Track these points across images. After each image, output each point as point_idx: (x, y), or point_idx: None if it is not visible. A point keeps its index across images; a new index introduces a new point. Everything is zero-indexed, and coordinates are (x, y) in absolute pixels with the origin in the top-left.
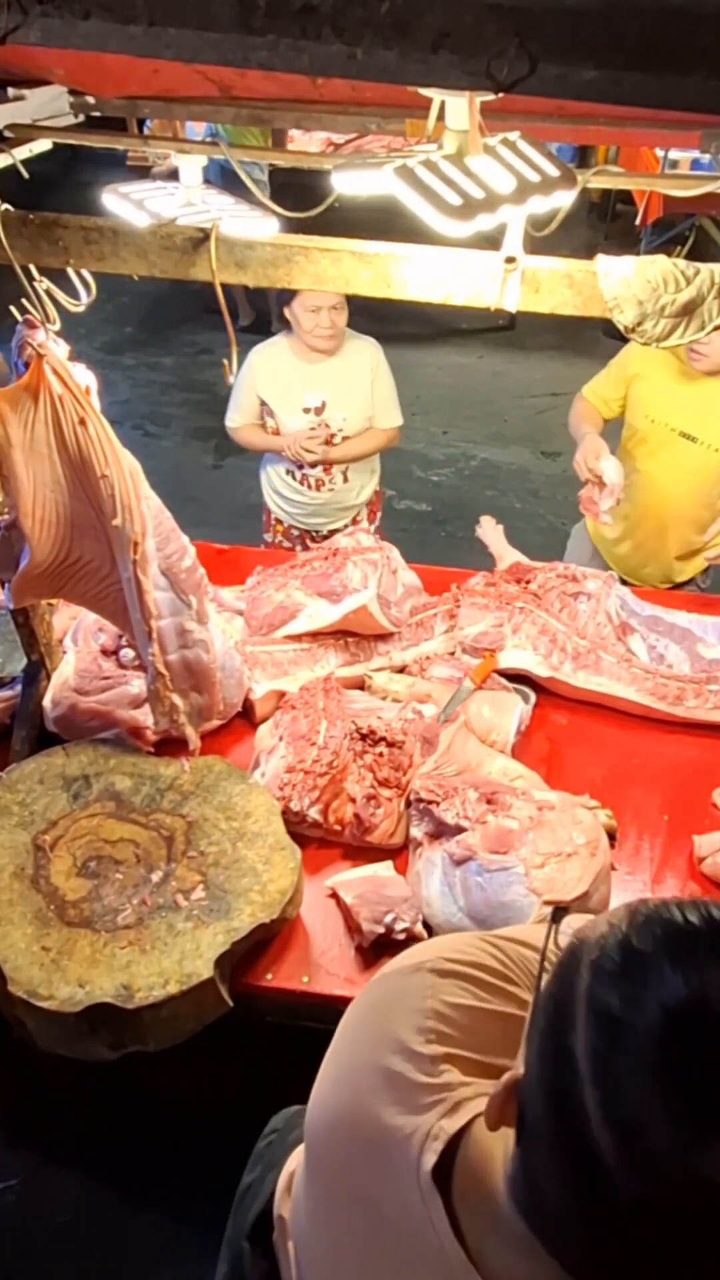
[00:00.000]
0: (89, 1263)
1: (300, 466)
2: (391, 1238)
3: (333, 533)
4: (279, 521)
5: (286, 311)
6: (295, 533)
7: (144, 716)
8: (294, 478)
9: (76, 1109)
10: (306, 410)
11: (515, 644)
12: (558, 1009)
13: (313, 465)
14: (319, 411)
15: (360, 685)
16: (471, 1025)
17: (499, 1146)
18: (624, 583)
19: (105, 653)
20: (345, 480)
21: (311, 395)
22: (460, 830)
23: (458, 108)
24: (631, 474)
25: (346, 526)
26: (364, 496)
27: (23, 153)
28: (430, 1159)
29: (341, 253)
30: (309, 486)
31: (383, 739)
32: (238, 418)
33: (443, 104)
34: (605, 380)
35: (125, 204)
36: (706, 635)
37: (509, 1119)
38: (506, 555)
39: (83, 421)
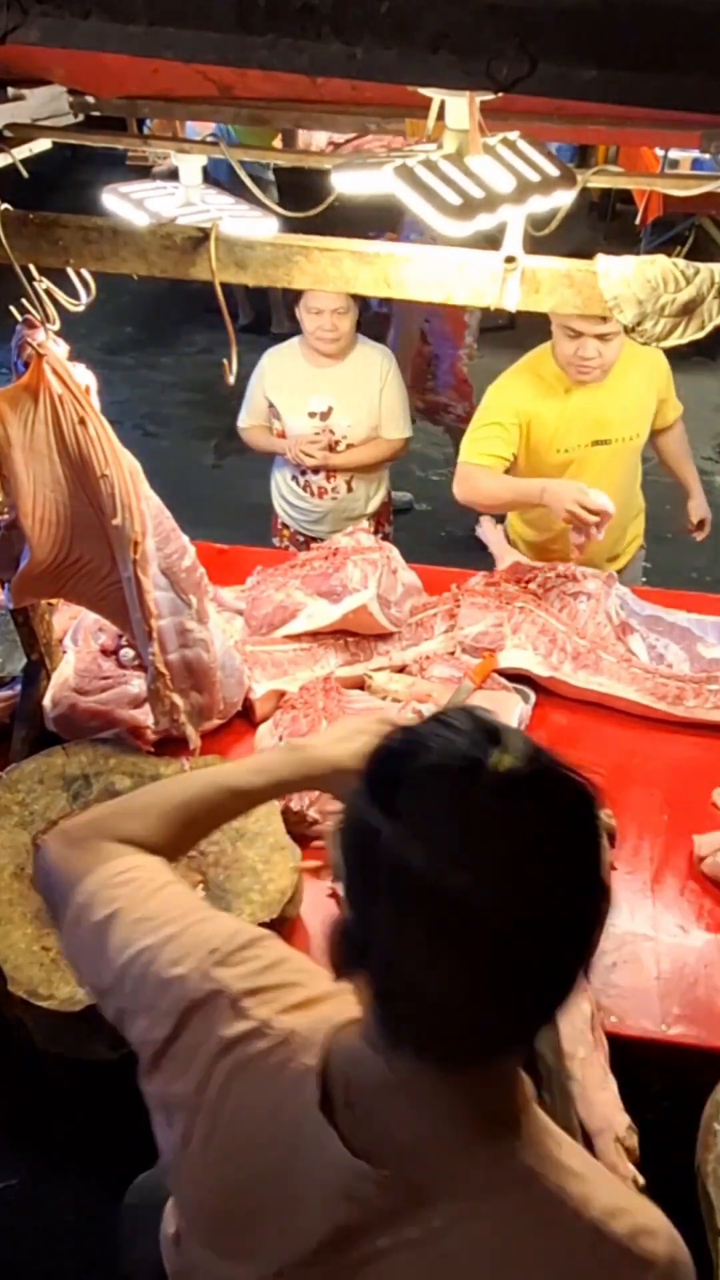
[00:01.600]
0: (89, 1263)
1: (304, 472)
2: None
3: None
4: (285, 526)
5: (296, 312)
6: (301, 539)
7: (144, 716)
8: (298, 483)
9: (76, 1109)
10: (312, 414)
11: (515, 644)
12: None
13: (314, 471)
14: (324, 417)
15: (360, 685)
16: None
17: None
18: None
19: (105, 652)
20: (349, 490)
21: (318, 400)
22: None
23: (458, 107)
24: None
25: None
26: (371, 507)
27: (23, 153)
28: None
29: (341, 253)
30: (312, 494)
31: None
32: (246, 418)
33: (443, 104)
34: (495, 439)
35: (125, 204)
36: (706, 635)
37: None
38: (506, 555)
39: (83, 421)
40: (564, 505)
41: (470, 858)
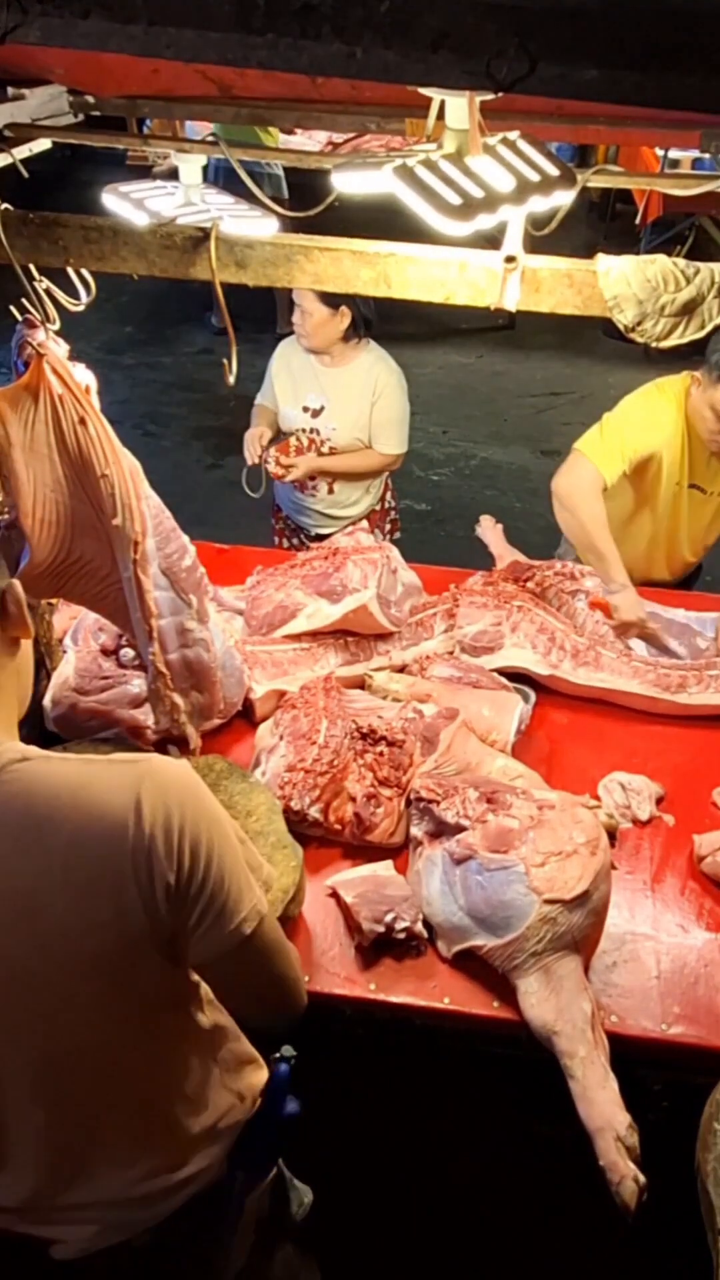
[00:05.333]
0: None
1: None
2: None
3: (320, 536)
4: (279, 509)
5: None
6: (292, 525)
7: (144, 716)
8: None
9: None
10: (306, 410)
11: (514, 643)
12: None
13: (275, 478)
14: (315, 414)
15: (360, 685)
16: None
17: None
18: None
19: (105, 652)
20: (330, 491)
21: (314, 397)
22: (460, 829)
23: (457, 107)
24: (632, 523)
25: (335, 534)
26: (353, 511)
27: (23, 152)
28: None
29: (341, 252)
30: (295, 486)
31: (383, 738)
32: (260, 397)
33: (442, 103)
34: (618, 458)
35: (125, 203)
36: (705, 630)
37: None
38: (506, 555)
39: (83, 421)
40: (625, 615)
41: None
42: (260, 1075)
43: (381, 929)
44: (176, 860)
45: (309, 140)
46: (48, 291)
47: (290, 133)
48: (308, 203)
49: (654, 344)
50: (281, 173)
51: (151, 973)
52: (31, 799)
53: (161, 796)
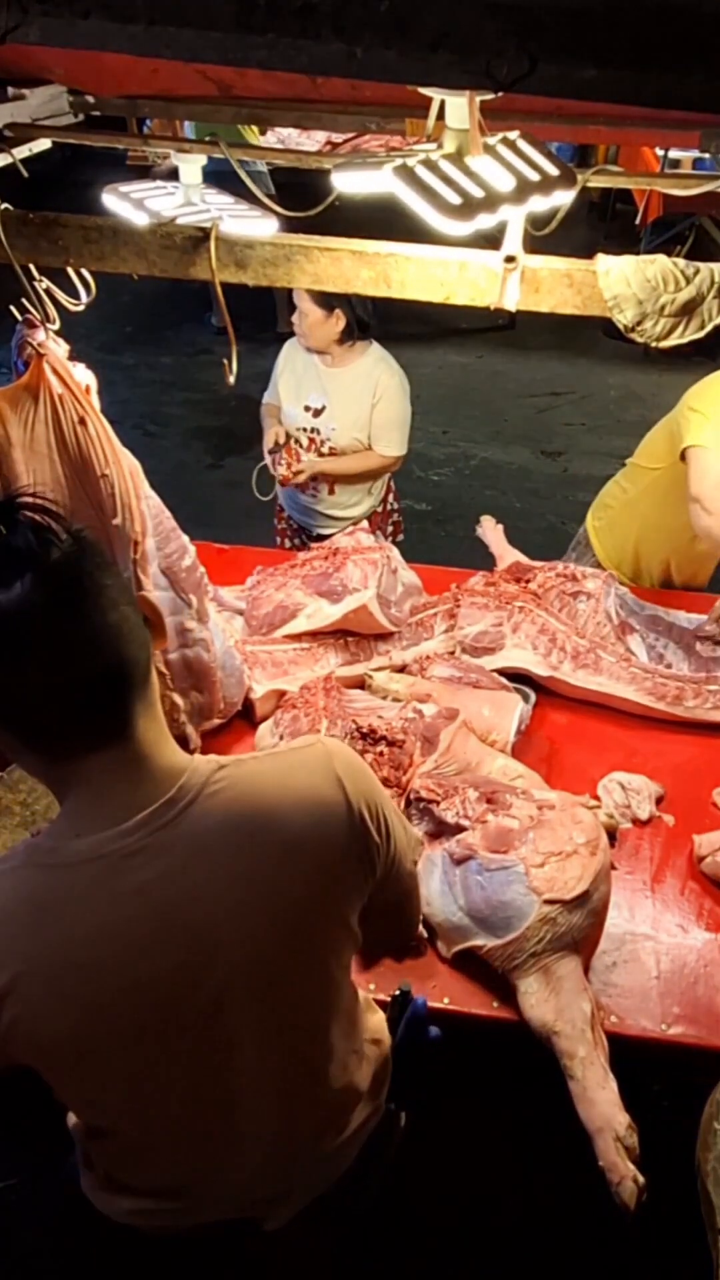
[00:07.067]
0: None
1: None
2: None
3: (322, 536)
4: (281, 509)
5: None
6: (295, 525)
7: None
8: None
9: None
10: (307, 409)
11: (515, 643)
12: None
13: (283, 483)
14: (316, 414)
15: (360, 685)
16: None
17: None
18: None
19: None
20: (331, 492)
21: (316, 396)
22: (460, 829)
23: (458, 107)
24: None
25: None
26: (354, 512)
27: (23, 152)
28: None
29: (341, 252)
30: (297, 487)
31: (383, 738)
32: (266, 395)
33: (443, 103)
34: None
35: (125, 203)
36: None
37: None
38: (506, 555)
39: (83, 421)
40: None
41: None
42: (378, 1016)
43: None
44: (374, 821)
45: (308, 140)
46: (48, 291)
47: (265, 131)
48: (297, 202)
49: (654, 344)
50: (266, 170)
51: (348, 934)
52: (252, 798)
53: (350, 770)
